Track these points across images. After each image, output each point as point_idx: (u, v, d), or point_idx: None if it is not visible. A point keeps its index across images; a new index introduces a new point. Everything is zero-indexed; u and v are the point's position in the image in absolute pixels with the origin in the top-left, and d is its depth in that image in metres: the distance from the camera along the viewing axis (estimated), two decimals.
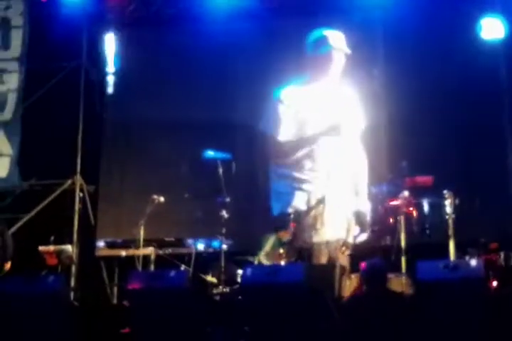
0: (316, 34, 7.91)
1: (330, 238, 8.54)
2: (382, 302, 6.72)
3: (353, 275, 8.60)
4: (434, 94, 10.69)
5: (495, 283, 7.61)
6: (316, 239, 8.54)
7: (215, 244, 9.82)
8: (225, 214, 9.45)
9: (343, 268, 8.51)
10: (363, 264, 7.49)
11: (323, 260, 8.50)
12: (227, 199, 9.34)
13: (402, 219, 8.77)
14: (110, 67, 12.21)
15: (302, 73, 7.82)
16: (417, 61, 10.87)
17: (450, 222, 8.48)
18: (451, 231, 8.46)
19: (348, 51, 7.83)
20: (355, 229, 8.86)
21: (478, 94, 10.61)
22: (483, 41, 10.91)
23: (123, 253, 10.39)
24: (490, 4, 11.02)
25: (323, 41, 7.91)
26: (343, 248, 8.45)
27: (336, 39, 7.90)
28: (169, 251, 10.32)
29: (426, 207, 8.80)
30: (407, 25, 11.02)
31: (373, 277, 6.90)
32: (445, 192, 8.77)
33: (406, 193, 9.16)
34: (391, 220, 8.75)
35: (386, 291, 6.93)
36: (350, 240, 8.61)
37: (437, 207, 8.62)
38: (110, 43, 12.30)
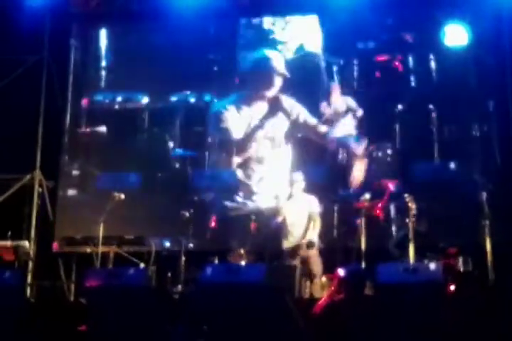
0: (259, 53, 8.10)
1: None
2: (359, 307, 6.78)
3: (324, 277, 8.67)
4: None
5: (453, 287, 7.70)
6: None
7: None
8: (186, 213, 9.48)
9: (311, 269, 8.62)
10: (340, 270, 7.55)
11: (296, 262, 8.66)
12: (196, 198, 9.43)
13: (362, 221, 8.85)
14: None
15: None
16: None
17: (410, 225, 8.56)
18: (411, 235, 8.54)
19: (287, 74, 8.02)
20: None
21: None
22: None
23: (81, 250, 10.30)
24: (455, 11, 11.15)
25: (265, 63, 8.12)
26: (308, 247, 8.56)
27: (278, 62, 8.11)
28: (130, 249, 10.25)
29: (392, 211, 8.90)
30: None
31: (354, 284, 6.94)
32: (406, 196, 8.86)
33: (367, 196, 9.26)
34: (357, 222, 8.86)
35: (364, 297, 6.99)
36: (315, 239, 8.71)
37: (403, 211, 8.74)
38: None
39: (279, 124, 10.19)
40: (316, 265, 8.88)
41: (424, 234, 8.92)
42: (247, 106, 10.08)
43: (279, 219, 9.13)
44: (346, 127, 10.55)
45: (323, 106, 10.56)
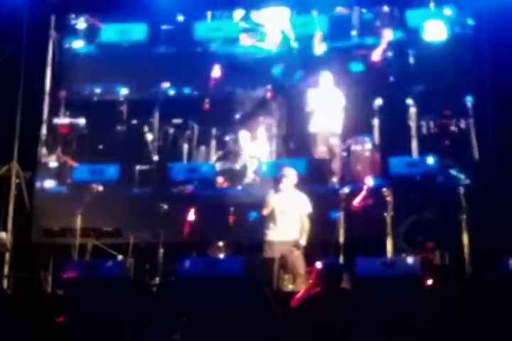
0: None
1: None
2: (336, 300, 6.80)
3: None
4: None
5: (430, 281, 7.74)
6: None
7: None
8: (164, 206, 9.47)
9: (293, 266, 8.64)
10: (318, 264, 7.56)
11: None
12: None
13: (341, 215, 8.90)
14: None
15: None
16: None
17: (388, 219, 8.61)
18: (389, 229, 8.60)
19: None
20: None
21: None
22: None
23: (59, 241, 10.24)
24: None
25: None
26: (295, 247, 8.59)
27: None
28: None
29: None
30: None
31: (330, 277, 6.95)
32: (384, 190, 8.91)
33: (346, 189, 9.31)
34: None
35: (340, 290, 7.00)
36: (303, 242, 8.73)
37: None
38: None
39: None
40: (299, 262, 8.85)
41: (403, 235, 8.99)
42: None
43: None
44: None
45: None
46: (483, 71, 10.51)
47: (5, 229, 10.76)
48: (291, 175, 9.20)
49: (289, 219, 8.91)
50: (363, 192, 9.38)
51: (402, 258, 7.76)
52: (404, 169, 10.01)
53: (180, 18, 12.02)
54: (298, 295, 7.46)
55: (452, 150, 10.08)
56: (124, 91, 11.76)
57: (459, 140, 10.21)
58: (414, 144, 10.32)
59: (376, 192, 9.24)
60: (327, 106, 10.72)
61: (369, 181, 9.58)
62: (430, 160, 9.95)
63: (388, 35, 11.21)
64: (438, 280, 7.80)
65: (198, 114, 11.28)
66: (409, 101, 10.55)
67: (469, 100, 10.32)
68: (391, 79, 10.96)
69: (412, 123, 10.41)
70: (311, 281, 7.72)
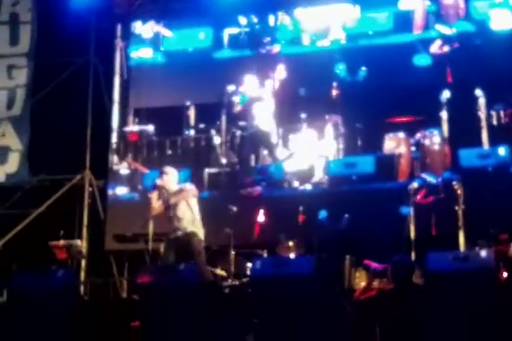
0: None
1: None
2: (410, 297, 6.71)
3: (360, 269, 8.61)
4: None
5: (505, 274, 7.56)
6: None
7: None
8: (234, 207, 9.49)
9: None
10: (369, 262, 7.50)
11: None
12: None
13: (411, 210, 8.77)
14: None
15: None
16: None
17: (460, 213, 8.44)
18: (460, 223, 8.43)
19: None
20: None
21: None
22: None
23: (132, 247, 10.38)
24: None
25: None
26: None
27: None
28: None
29: None
30: None
31: (402, 273, 6.86)
32: (454, 183, 8.74)
33: (415, 184, 9.18)
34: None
35: (413, 286, 6.91)
36: None
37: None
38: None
39: None
40: None
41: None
42: None
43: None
44: None
45: None
46: None
47: (80, 237, 10.99)
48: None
49: None
50: (424, 189, 9.23)
51: (475, 251, 7.58)
52: (475, 161, 9.83)
53: (243, 21, 12.07)
54: (359, 291, 7.36)
55: None
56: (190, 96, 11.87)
57: None
58: (485, 135, 10.10)
59: (445, 185, 9.08)
60: None
61: (428, 177, 9.45)
62: (502, 150, 9.73)
63: (443, 29, 11.05)
64: None
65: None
66: (478, 92, 10.34)
67: None
68: (458, 70, 10.76)
69: (482, 114, 10.19)
70: (368, 280, 7.66)
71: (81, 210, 11.37)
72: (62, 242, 10.10)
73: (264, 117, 10.98)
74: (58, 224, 10.60)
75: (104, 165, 11.75)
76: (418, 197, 9.17)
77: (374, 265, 7.71)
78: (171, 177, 8.99)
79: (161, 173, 9.02)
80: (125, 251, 10.79)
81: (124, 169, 11.66)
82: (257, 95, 11.16)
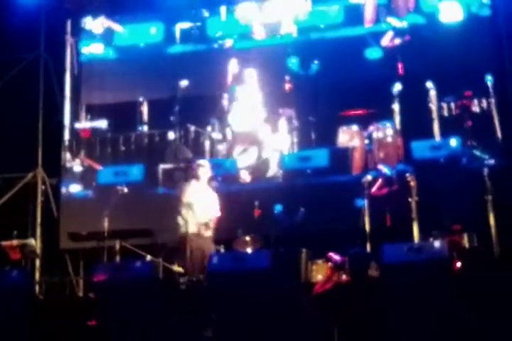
0: None
1: None
2: (366, 289, 6.77)
3: (319, 261, 8.64)
4: None
5: (459, 264, 7.67)
6: None
7: None
8: None
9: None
10: (332, 254, 7.53)
11: None
12: None
13: (366, 203, 8.83)
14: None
15: None
16: None
17: (413, 204, 8.53)
18: (414, 214, 8.51)
19: None
20: None
21: None
22: None
23: (87, 245, 10.30)
24: None
25: None
26: None
27: None
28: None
29: None
30: None
31: (358, 266, 6.92)
32: (407, 175, 8.83)
33: (369, 177, 9.24)
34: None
35: (369, 279, 6.97)
36: None
37: None
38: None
39: None
40: None
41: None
42: None
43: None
44: None
45: None
46: (502, 49, 10.37)
47: (34, 236, 10.86)
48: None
49: None
50: (379, 180, 9.31)
51: (429, 242, 7.68)
52: (427, 152, 9.93)
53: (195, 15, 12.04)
54: (318, 285, 7.42)
55: (475, 131, 9.94)
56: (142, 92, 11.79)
57: (481, 120, 10.07)
58: (436, 127, 10.21)
59: (399, 177, 9.16)
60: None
61: (383, 168, 9.53)
62: (453, 142, 9.85)
63: (394, 22, 11.14)
64: (467, 262, 7.70)
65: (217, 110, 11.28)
66: (429, 84, 10.44)
67: (489, 79, 10.18)
68: (409, 63, 10.85)
69: (433, 106, 10.30)
70: (329, 271, 7.70)
71: (34, 209, 11.23)
72: (15, 242, 9.98)
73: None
74: (11, 224, 10.48)
75: (56, 163, 11.61)
76: (373, 188, 9.22)
77: (335, 258, 7.74)
78: (208, 170, 9.28)
79: (198, 166, 9.30)
80: (80, 250, 10.70)
81: (77, 166, 11.54)
82: None
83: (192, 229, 8.87)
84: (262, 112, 11.13)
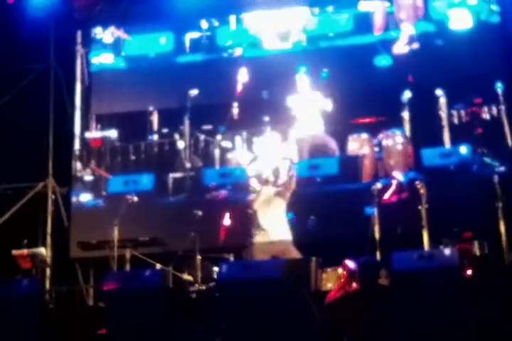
0: None
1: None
2: (376, 297, 6.72)
3: (328, 269, 8.60)
4: None
5: (469, 272, 7.62)
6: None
7: None
8: (199, 212, 9.45)
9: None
10: (348, 262, 7.48)
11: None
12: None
13: (376, 211, 8.80)
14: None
15: None
16: None
17: (423, 212, 8.49)
18: (424, 222, 8.48)
19: None
20: None
21: None
22: None
23: (97, 254, 10.30)
24: None
25: None
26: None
27: None
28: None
29: None
30: None
31: (368, 275, 6.87)
32: (417, 183, 8.79)
33: (379, 185, 9.21)
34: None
35: (379, 287, 6.92)
36: None
37: None
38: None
39: None
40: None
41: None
42: None
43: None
44: None
45: None
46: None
47: (44, 245, 10.88)
48: None
49: None
50: (393, 187, 9.27)
51: (439, 250, 7.63)
52: (437, 160, 9.91)
53: (205, 24, 12.07)
54: (332, 293, 7.38)
55: (485, 138, 9.92)
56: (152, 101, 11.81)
57: (491, 127, 10.05)
58: (446, 134, 10.19)
59: (409, 185, 9.13)
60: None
61: (398, 175, 9.49)
62: (463, 149, 9.82)
63: (407, 28, 11.12)
64: (478, 270, 7.65)
65: (227, 118, 11.29)
66: (439, 91, 10.42)
67: (499, 86, 10.16)
68: (418, 70, 10.84)
69: (443, 114, 10.28)
70: (343, 279, 7.65)
71: (44, 218, 11.27)
72: (25, 251, 10.00)
73: None
74: (21, 233, 10.51)
75: (67, 172, 11.65)
76: (387, 195, 9.20)
77: (350, 266, 7.69)
78: None
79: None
80: (90, 259, 10.71)
81: (87, 176, 11.58)
82: None
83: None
84: None
